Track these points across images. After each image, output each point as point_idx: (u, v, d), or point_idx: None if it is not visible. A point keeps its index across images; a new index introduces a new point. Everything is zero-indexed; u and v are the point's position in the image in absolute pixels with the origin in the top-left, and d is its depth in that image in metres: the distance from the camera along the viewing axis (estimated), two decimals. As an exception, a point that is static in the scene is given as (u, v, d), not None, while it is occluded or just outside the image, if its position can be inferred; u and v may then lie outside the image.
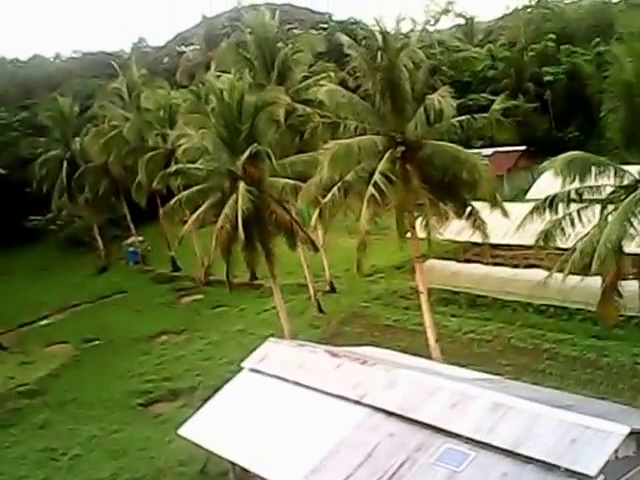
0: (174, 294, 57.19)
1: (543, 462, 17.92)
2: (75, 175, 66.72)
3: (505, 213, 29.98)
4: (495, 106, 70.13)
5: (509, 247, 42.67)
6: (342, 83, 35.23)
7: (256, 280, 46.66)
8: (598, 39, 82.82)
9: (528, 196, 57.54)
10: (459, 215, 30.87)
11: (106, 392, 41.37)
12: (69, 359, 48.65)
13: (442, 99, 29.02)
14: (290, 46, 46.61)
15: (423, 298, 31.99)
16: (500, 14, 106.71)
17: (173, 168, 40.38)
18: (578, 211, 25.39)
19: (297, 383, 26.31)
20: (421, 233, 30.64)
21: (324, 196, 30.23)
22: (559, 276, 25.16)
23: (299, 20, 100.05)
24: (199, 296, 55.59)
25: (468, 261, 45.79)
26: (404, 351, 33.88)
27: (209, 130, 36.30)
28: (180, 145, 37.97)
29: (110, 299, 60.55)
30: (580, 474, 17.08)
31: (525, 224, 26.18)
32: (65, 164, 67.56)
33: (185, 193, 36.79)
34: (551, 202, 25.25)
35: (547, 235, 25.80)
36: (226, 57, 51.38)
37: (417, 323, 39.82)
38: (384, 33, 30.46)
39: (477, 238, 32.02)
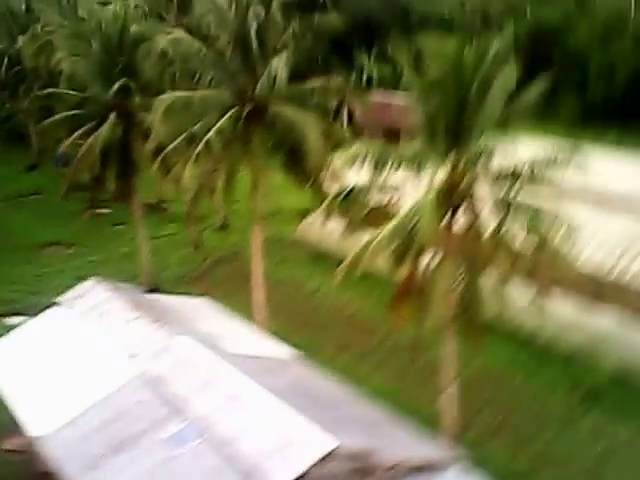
0: (84, 204, 57.03)
1: (245, 465, 18.06)
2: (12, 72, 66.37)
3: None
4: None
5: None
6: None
7: (164, 203, 47.53)
8: None
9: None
10: (302, 184, 30.84)
11: (-26, 296, 41.96)
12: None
13: (280, 62, 28.23)
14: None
15: (255, 260, 32.11)
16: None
17: (46, 91, 39.86)
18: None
19: (90, 331, 26.61)
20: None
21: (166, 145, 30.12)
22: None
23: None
24: (107, 210, 55.49)
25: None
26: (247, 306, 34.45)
27: (86, 58, 35.92)
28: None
29: (26, 199, 60.81)
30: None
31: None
32: (6, 60, 67.05)
33: (58, 116, 36.74)
34: (348, 194, 24.54)
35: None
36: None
37: (279, 279, 40.44)
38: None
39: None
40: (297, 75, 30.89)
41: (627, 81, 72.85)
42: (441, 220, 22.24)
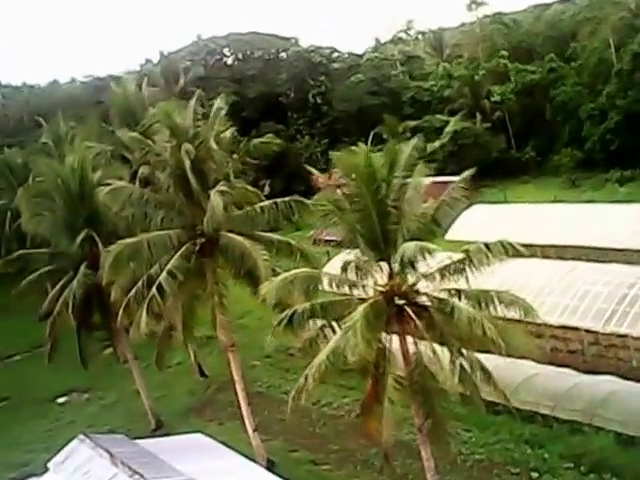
0: (99, 344, 57.39)
1: None
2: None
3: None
4: (448, 128, 70.65)
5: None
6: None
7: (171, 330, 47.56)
8: (552, 55, 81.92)
9: (448, 236, 56.55)
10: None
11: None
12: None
13: (216, 195, 28.46)
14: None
15: (239, 387, 31.92)
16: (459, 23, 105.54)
17: (15, 254, 40.46)
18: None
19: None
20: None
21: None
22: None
23: (262, 49, 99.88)
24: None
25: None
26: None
27: (50, 215, 36.59)
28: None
29: (43, 349, 61.08)
30: None
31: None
32: (9, 214, 67.89)
33: (32, 276, 37.25)
34: (290, 318, 24.22)
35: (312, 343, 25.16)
36: (91, 131, 51.29)
37: (285, 391, 39.96)
38: (172, 126, 30.23)
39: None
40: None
41: (620, 122, 72.63)
42: (377, 334, 21.89)
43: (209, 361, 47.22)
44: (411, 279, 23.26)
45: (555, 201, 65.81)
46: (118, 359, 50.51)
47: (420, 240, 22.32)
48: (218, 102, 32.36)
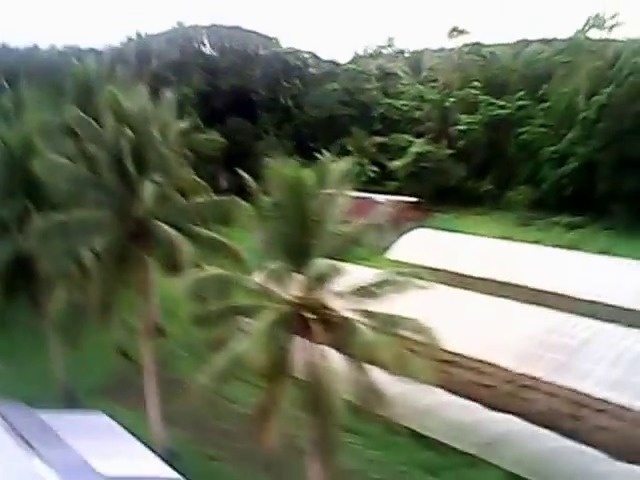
0: (27, 313, 56.96)
1: None
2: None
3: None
4: (412, 149, 70.71)
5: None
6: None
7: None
8: (522, 93, 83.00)
9: (389, 255, 57.40)
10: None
11: None
12: None
13: (149, 183, 28.70)
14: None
15: (153, 375, 32.19)
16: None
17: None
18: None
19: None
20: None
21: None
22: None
23: (241, 43, 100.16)
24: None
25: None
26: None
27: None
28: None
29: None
30: None
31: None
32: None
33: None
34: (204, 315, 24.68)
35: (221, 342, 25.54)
36: (49, 101, 51.14)
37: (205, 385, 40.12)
38: (116, 110, 30.35)
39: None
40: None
41: (577, 169, 73.71)
42: (278, 342, 22.30)
43: (136, 346, 47.14)
44: (322, 294, 23.65)
45: (501, 237, 66.64)
46: (43, 331, 50.58)
47: (337, 257, 22.88)
48: (168, 93, 32.58)
